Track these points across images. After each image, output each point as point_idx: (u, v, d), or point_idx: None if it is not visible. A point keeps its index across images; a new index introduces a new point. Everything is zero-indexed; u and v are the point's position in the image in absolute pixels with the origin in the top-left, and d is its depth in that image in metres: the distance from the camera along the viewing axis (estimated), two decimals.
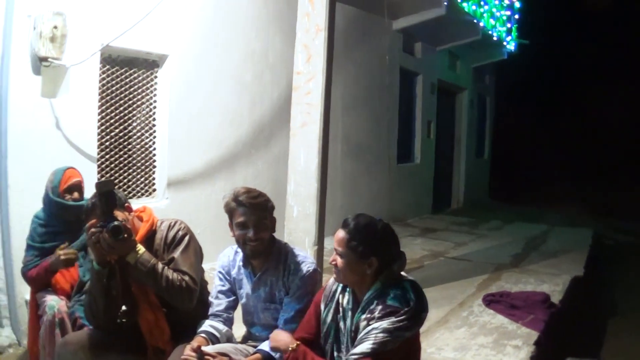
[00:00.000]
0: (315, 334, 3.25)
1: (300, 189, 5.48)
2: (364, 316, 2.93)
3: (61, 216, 4.52)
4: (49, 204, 4.56)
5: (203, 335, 3.47)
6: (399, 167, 12.22)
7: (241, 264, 3.67)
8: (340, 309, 3.14)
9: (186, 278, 3.47)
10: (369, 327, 2.85)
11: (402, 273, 3.10)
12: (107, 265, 3.41)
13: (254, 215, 3.44)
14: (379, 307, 2.88)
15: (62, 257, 4.35)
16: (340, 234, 3.03)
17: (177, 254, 3.53)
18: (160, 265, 3.40)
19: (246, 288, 3.65)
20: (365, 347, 2.82)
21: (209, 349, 3.27)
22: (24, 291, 5.01)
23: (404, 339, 2.89)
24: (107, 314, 3.54)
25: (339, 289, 3.20)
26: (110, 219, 3.23)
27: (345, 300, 3.14)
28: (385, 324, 2.81)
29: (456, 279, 7.49)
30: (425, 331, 5.53)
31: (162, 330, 3.55)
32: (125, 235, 3.22)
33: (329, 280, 3.29)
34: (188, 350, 3.19)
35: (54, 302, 4.25)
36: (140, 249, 3.35)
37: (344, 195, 9.92)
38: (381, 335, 2.80)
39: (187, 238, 3.62)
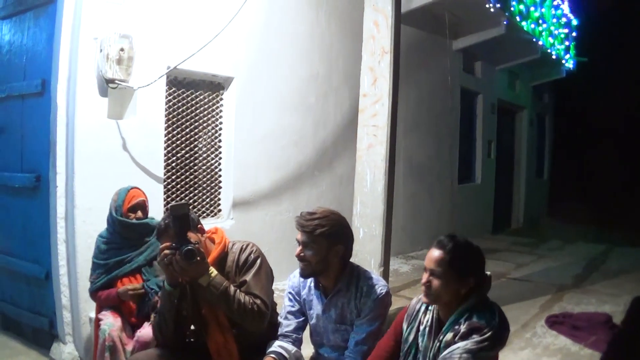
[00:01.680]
0: (392, 355, 3.23)
1: (366, 210, 5.50)
2: (449, 334, 2.91)
3: (125, 234, 4.58)
4: (113, 223, 4.63)
5: (272, 355, 3.47)
6: (460, 187, 12.14)
7: (312, 285, 3.67)
8: (421, 328, 3.12)
9: (258, 301, 3.47)
10: (453, 347, 2.84)
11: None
12: (178, 286, 3.46)
13: (302, 236, 3.45)
14: (466, 323, 2.86)
15: (130, 293, 4.44)
16: (437, 253, 2.99)
17: (249, 277, 3.54)
18: (232, 288, 3.41)
19: (316, 309, 3.64)
20: None
21: None
22: (88, 309, 5.10)
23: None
24: (176, 333, 3.59)
25: (422, 308, 3.17)
26: (183, 241, 3.27)
27: (427, 319, 3.11)
28: (469, 344, 2.79)
29: (519, 300, 7.41)
30: None
31: (231, 352, 3.55)
32: (198, 258, 3.25)
33: (413, 300, 3.28)
34: None
35: (106, 327, 4.30)
36: (213, 271, 3.38)
37: (405, 216, 9.92)
38: (465, 355, 2.78)
39: (259, 261, 3.62)
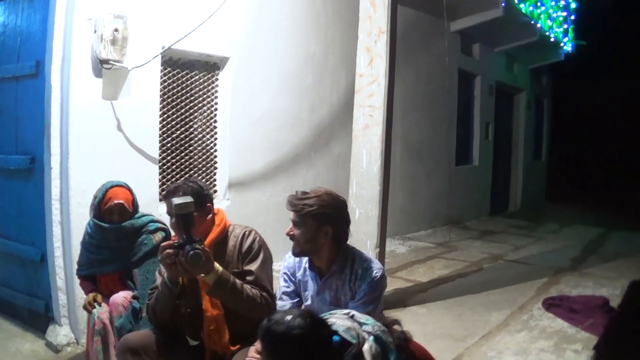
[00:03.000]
0: None
1: (362, 191, 5.49)
2: None
3: (101, 234, 4.47)
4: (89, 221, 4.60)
5: None
6: (458, 169, 12.18)
7: (307, 266, 3.65)
8: None
9: (264, 294, 3.48)
10: None
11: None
12: (179, 284, 3.43)
13: (292, 215, 3.45)
14: None
15: (85, 305, 4.40)
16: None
17: (254, 267, 3.53)
18: (238, 283, 3.39)
19: (311, 290, 3.62)
20: None
21: None
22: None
23: None
24: (171, 322, 3.58)
25: None
26: (188, 240, 3.17)
27: None
28: None
29: (516, 282, 7.44)
30: (486, 334, 5.59)
31: (222, 335, 3.56)
32: (204, 259, 3.18)
33: None
34: (252, 352, 3.16)
35: (95, 311, 4.27)
36: (219, 268, 3.32)
37: (403, 197, 9.94)
38: None
39: (262, 250, 3.62)
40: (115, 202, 4.42)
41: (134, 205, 4.59)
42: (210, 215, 3.65)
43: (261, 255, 3.60)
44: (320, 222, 3.41)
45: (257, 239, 3.65)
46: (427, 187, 10.99)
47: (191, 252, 3.10)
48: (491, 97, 13.52)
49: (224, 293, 3.36)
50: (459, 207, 11.87)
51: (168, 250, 3.18)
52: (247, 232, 3.65)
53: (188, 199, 3.22)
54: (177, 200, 3.17)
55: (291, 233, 3.47)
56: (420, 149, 10.72)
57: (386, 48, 5.50)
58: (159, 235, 4.51)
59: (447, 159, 11.30)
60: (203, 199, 3.61)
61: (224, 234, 3.65)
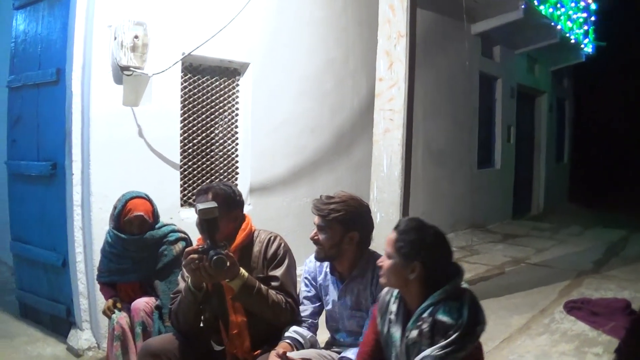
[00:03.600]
0: (375, 349, 3.07)
1: (383, 195, 5.47)
2: (414, 331, 2.76)
3: (122, 244, 4.47)
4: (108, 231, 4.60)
5: (288, 341, 3.44)
6: (480, 172, 12.15)
7: (328, 270, 3.64)
8: (391, 318, 2.98)
9: (289, 300, 3.51)
10: (420, 356, 2.68)
11: (464, 285, 2.88)
12: (202, 289, 3.44)
13: (317, 218, 3.44)
14: (429, 320, 2.71)
15: (105, 310, 4.42)
16: (391, 235, 2.90)
17: (279, 273, 3.55)
18: (263, 288, 3.40)
19: (332, 295, 3.61)
20: None
21: (293, 354, 3.27)
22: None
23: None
24: (193, 327, 3.60)
25: (392, 298, 3.02)
26: (212, 245, 3.17)
27: (395, 308, 2.98)
28: (435, 351, 2.63)
29: (538, 286, 7.41)
30: (507, 338, 5.58)
31: (243, 340, 3.56)
32: (229, 264, 3.18)
33: (382, 291, 3.11)
34: (273, 356, 3.20)
35: (115, 316, 4.29)
36: (244, 274, 3.33)
37: (425, 201, 9.89)
38: None
39: (287, 257, 3.63)
40: (135, 214, 4.41)
41: (154, 215, 4.58)
42: (239, 222, 3.66)
43: (286, 261, 3.61)
44: (347, 227, 3.40)
45: (282, 244, 3.66)
46: (449, 190, 10.94)
47: (215, 257, 3.09)
48: (513, 99, 13.45)
49: (250, 298, 3.37)
50: (481, 210, 11.83)
51: (192, 255, 3.18)
52: (272, 238, 3.67)
53: (212, 204, 3.22)
54: (201, 206, 3.17)
55: (316, 237, 3.45)
56: (442, 152, 10.67)
57: (406, 52, 5.48)
58: (180, 246, 4.50)
59: (469, 162, 11.29)
60: (233, 204, 3.65)
61: (250, 239, 3.66)
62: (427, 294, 2.79)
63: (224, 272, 3.19)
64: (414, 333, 2.76)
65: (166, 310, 4.17)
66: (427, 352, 2.65)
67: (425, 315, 2.74)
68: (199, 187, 3.70)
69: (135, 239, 4.42)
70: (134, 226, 4.43)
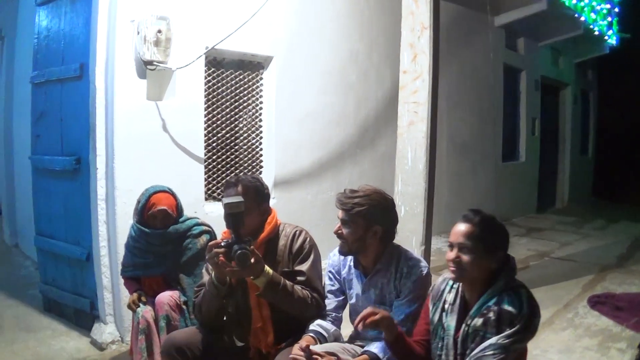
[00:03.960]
0: (427, 335, 3.16)
1: (407, 188, 5.44)
2: (479, 319, 2.81)
3: (146, 239, 4.51)
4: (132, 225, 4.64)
5: (311, 334, 3.44)
6: (504, 165, 12.09)
7: (352, 264, 3.61)
8: (446, 307, 3.04)
9: (315, 295, 3.51)
10: (484, 344, 2.74)
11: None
12: (226, 284, 3.43)
13: (341, 212, 3.41)
14: (495, 309, 2.77)
15: (129, 304, 4.46)
16: (465, 227, 2.89)
17: (305, 267, 3.55)
18: (289, 284, 3.40)
19: (356, 288, 3.58)
20: None
21: (317, 348, 3.23)
22: None
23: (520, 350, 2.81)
24: (216, 320, 3.60)
25: (447, 287, 3.09)
26: (237, 239, 3.17)
27: (451, 297, 3.04)
28: (501, 339, 2.70)
29: (561, 280, 7.38)
30: None
31: (267, 334, 3.58)
32: (253, 260, 3.17)
33: (437, 280, 3.20)
34: (296, 349, 3.17)
35: (140, 310, 4.32)
36: (269, 271, 3.32)
37: (449, 194, 9.86)
38: (499, 352, 2.69)
39: (313, 251, 3.63)
40: (159, 208, 4.43)
41: (178, 209, 4.61)
42: (265, 215, 3.66)
43: (312, 256, 3.61)
44: (370, 221, 3.37)
45: (308, 239, 3.66)
46: (473, 183, 10.90)
47: (238, 252, 3.09)
48: (537, 92, 13.36)
49: (275, 295, 3.36)
50: (505, 203, 11.74)
51: (216, 250, 3.18)
52: (297, 232, 3.66)
53: (239, 198, 3.22)
54: (227, 199, 3.17)
55: (339, 231, 3.42)
56: (466, 145, 10.62)
57: (429, 44, 5.44)
58: (204, 239, 4.53)
59: (494, 156, 11.28)
60: (262, 197, 3.65)
61: (275, 233, 3.65)
62: (488, 285, 2.87)
63: (249, 269, 3.18)
64: (478, 321, 2.82)
65: (191, 303, 4.20)
66: (493, 340, 2.72)
67: (491, 304, 2.81)
68: (227, 180, 3.71)
69: (158, 233, 4.44)
70: (157, 220, 4.45)
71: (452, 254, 2.91)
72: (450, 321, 2.98)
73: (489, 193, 10.85)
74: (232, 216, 3.15)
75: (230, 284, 3.45)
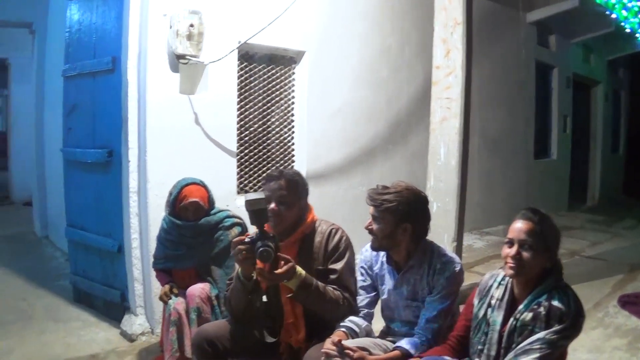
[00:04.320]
0: (467, 331, 3.18)
1: (440, 184, 5.43)
2: (528, 314, 2.86)
3: (177, 231, 4.55)
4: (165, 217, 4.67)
5: (343, 329, 3.42)
6: (536, 162, 11.99)
7: (384, 260, 3.59)
8: (492, 302, 3.06)
9: (347, 295, 3.48)
10: (532, 338, 2.78)
11: None
12: (252, 279, 3.41)
13: (372, 209, 3.39)
14: (546, 304, 2.82)
15: (161, 296, 4.50)
16: (527, 224, 2.93)
17: (339, 266, 3.52)
18: (321, 285, 3.38)
19: (388, 284, 3.56)
20: (531, 359, 2.75)
21: (349, 343, 3.22)
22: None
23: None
24: (245, 314, 3.57)
25: (495, 283, 3.12)
26: (261, 236, 3.14)
27: (499, 293, 3.06)
28: (549, 334, 2.75)
29: (592, 279, 7.30)
30: None
31: (299, 330, 3.56)
32: (282, 263, 3.16)
33: (485, 276, 3.22)
34: (328, 343, 3.16)
35: (171, 302, 4.35)
36: (301, 272, 3.30)
37: (480, 191, 9.78)
38: (545, 346, 2.73)
39: (348, 250, 3.60)
40: (190, 200, 4.48)
41: (210, 202, 4.64)
42: (304, 211, 3.65)
43: (347, 255, 3.58)
44: (399, 219, 3.34)
45: (344, 238, 3.63)
46: (504, 180, 10.80)
47: (261, 249, 3.07)
48: (569, 89, 13.23)
49: (308, 296, 3.34)
50: (536, 201, 11.53)
51: (240, 246, 3.17)
52: (334, 230, 3.63)
53: (260, 195, 3.21)
54: (249, 196, 3.14)
55: (370, 227, 3.41)
56: (498, 142, 10.52)
57: (462, 39, 5.42)
58: (235, 231, 4.56)
59: (526, 153, 11.21)
60: (304, 191, 3.66)
61: (312, 229, 3.63)
62: (539, 282, 2.93)
63: (280, 275, 3.16)
64: (527, 316, 2.86)
65: (222, 295, 4.22)
66: (542, 334, 2.77)
67: (542, 300, 2.86)
68: (269, 172, 3.69)
69: (190, 225, 4.48)
70: (189, 212, 4.49)
71: (512, 250, 2.93)
72: (497, 316, 3.00)
73: (520, 190, 10.77)
74: (254, 213, 3.12)
75: (256, 280, 3.43)
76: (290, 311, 3.54)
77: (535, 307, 2.84)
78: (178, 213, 4.51)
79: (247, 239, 3.17)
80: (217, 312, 4.35)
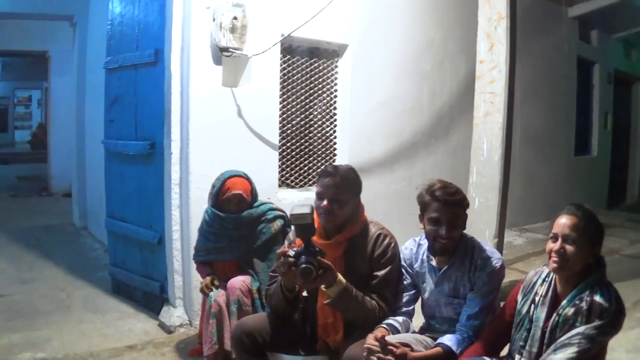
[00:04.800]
0: (506, 331, 3.17)
1: (482, 179, 5.39)
2: (570, 309, 2.84)
3: (220, 223, 4.56)
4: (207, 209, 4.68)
5: (384, 326, 3.38)
6: (577, 159, 11.87)
7: (425, 257, 3.55)
8: (537, 299, 3.04)
9: (383, 305, 3.43)
10: (572, 332, 2.77)
11: None
12: (294, 291, 3.40)
13: (448, 214, 3.30)
14: (588, 300, 2.80)
15: (202, 287, 4.51)
16: (571, 219, 2.92)
17: (383, 273, 3.47)
18: (360, 295, 3.34)
19: (429, 282, 3.53)
20: (569, 353, 2.73)
21: (391, 338, 3.18)
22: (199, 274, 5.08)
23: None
24: (285, 314, 3.57)
25: (539, 280, 3.10)
26: (305, 250, 3.11)
27: (543, 290, 3.04)
28: (589, 329, 2.74)
29: (631, 278, 7.17)
30: None
31: (337, 330, 3.53)
32: (320, 271, 3.11)
33: (529, 273, 3.21)
34: (371, 339, 3.13)
35: (212, 293, 4.36)
36: (342, 280, 3.26)
37: (520, 187, 9.64)
38: (584, 341, 2.72)
39: (395, 259, 3.54)
40: (234, 192, 4.49)
41: (253, 194, 4.65)
42: (356, 209, 3.60)
43: (393, 263, 3.52)
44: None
45: (392, 245, 3.56)
46: (544, 177, 10.68)
47: (303, 266, 3.05)
48: (610, 85, 13.06)
49: (345, 305, 3.32)
50: (576, 198, 11.35)
51: (283, 259, 3.14)
52: (382, 236, 3.56)
53: (307, 209, 3.13)
54: (295, 210, 3.11)
55: (449, 234, 3.34)
56: (539, 137, 10.38)
57: (506, 34, 5.39)
58: (278, 224, 4.56)
59: (567, 149, 11.10)
60: (359, 189, 3.62)
61: (361, 230, 3.58)
62: (582, 278, 2.92)
63: (320, 279, 3.13)
64: (569, 311, 2.85)
65: (264, 288, 4.20)
66: (582, 328, 2.77)
67: (584, 295, 2.84)
68: (324, 167, 3.67)
69: (233, 217, 4.49)
70: (232, 204, 4.50)
71: (556, 245, 2.91)
72: (540, 313, 2.98)
73: (560, 187, 10.67)
74: (300, 227, 3.11)
75: (298, 293, 3.43)
76: (330, 311, 3.48)
77: (578, 302, 2.83)
78: (221, 205, 4.52)
79: (291, 252, 3.14)
80: (258, 305, 4.35)
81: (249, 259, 4.53)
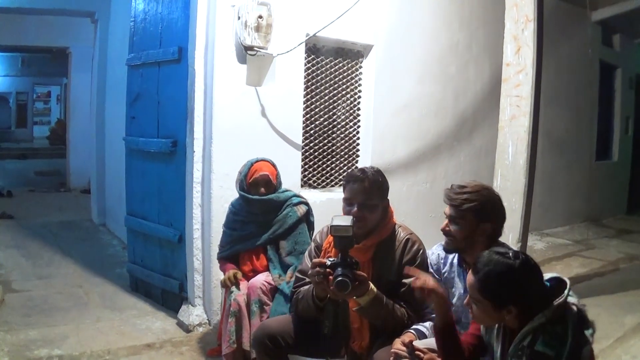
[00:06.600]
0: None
1: (507, 183, 5.35)
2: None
3: (248, 209, 4.60)
4: (238, 196, 4.70)
5: (411, 331, 3.33)
6: (597, 164, 11.80)
7: (454, 261, 3.51)
8: (494, 332, 2.86)
9: (411, 312, 3.39)
10: None
11: (571, 299, 2.64)
12: (325, 299, 3.34)
13: (450, 209, 3.30)
14: (527, 352, 2.50)
15: (225, 280, 4.52)
16: (470, 278, 2.68)
17: (410, 281, 3.29)
18: (390, 303, 3.30)
19: (458, 286, 3.47)
20: None
21: (418, 343, 3.15)
22: (220, 272, 5.01)
23: None
24: (311, 320, 3.52)
25: None
26: (342, 262, 3.06)
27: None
28: None
29: None
30: (620, 337, 5.42)
31: (363, 336, 3.50)
32: (356, 283, 3.06)
33: None
34: (398, 344, 3.11)
35: (233, 293, 4.35)
36: (373, 289, 3.22)
37: (542, 191, 9.57)
38: None
39: (424, 266, 3.49)
40: (261, 173, 4.57)
41: (278, 179, 4.73)
42: (385, 213, 3.57)
43: (422, 270, 3.44)
44: (480, 218, 3.25)
45: (421, 251, 3.52)
46: (566, 182, 10.65)
47: (339, 279, 2.99)
48: (631, 90, 12.99)
49: (375, 313, 3.28)
50: (597, 204, 11.49)
51: (318, 269, 3.10)
52: (411, 241, 3.52)
53: (348, 221, 3.09)
54: (336, 221, 3.07)
55: (447, 229, 3.32)
56: (560, 142, 10.35)
57: (533, 37, 5.35)
58: (303, 208, 4.67)
59: (589, 154, 11.01)
60: (386, 193, 3.57)
61: (390, 233, 3.54)
62: (527, 318, 2.56)
63: (352, 290, 3.06)
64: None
65: (282, 272, 4.39)
66: None
67: (525, 344, 2.53)
68: (350, 171, 3.62)
69: (260, 199, 4.54)
70: (259, 187, 4.59)
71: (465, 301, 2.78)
72: (497, 349, 2.82)
73: (581, 192, 10.60)
74: (339, 239, 3.06)
75: (328, 302, 3.36)
76: (357, 317, 3.45)
77: (520, 353, 2.54)
78: (249, 189, 4.58)
79: (327, 262, 3.10)
80: (280, 296, 4.31)
81: (276, 244, 4.57)
